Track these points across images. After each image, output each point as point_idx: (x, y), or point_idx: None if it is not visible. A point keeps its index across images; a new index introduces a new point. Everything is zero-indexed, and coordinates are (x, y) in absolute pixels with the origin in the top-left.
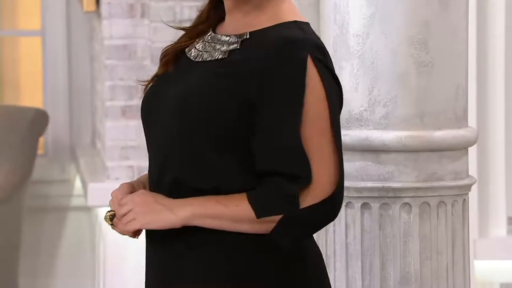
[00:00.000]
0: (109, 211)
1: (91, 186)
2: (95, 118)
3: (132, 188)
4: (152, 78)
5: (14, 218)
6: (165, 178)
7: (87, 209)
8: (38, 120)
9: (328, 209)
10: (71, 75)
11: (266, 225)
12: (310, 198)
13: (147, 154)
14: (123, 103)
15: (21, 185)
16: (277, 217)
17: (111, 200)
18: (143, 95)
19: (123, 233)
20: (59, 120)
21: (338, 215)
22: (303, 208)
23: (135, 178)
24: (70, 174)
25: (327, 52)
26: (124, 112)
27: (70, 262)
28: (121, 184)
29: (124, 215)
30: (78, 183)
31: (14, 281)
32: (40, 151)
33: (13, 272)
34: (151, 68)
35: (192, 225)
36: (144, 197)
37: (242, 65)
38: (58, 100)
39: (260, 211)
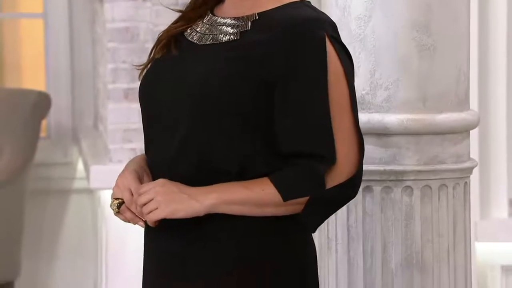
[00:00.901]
0: (116, 199)
1: (94, 168)
2: (97, 101)
3: (138, 176)
4: (148, 62)
5: (16, 201)
6: (183, 163)
7: (90, 192)
8: (41, 103)
9: (351, 188)
10: (73, 58)
11: (291, 208)
12: (336, 177)
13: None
14: (125, 86)
15: (23, 167)
16: (303, 199)
17: (115, 187)
18: (141, 79)
19: (129, 221)
20: (61, 103)
21: None
22: (329, 188)
23: None
24: (72, 156)
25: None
26: (127, 94)
27: (73, 244)
28: (126, 173)
29: (145, 204)
30: (80, 166)
31: (17, 263)
32: (42, 134)
33: (16, 254)
34: None
35: (216, 212)
36: (167, 186)
37: (256, 46)
38: (60, 83)
39: (286, 194)
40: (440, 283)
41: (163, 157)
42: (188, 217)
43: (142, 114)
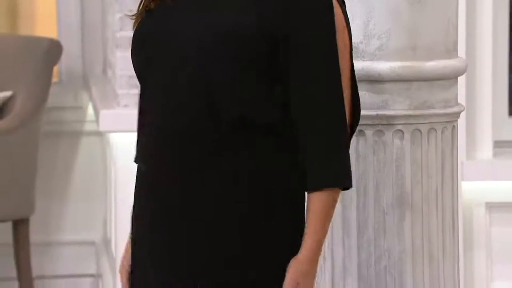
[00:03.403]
0: None
1: (103, 112)
2: (106, 48)
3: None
4: (141, 12)
5: (31, 142)
6: (191, 108)
7: (99, 134)
8: (53, 50)
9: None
10: (83, 8)
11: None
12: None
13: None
14: (132, 34)
15: (37, 111)
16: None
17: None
18: (136, 28)
19: None
20: (72, 50)
21: None
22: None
23: None
24: (83, 101)
25: None
26: None
27: (83, 183)
28: (121, 273)
29: None
30: (90, 110)
31: (31, 201)
32: (54, 79)
33: (30, 192)
34: None
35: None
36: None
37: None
38: (71, 31)
39: (335, 183)
40: (429, 220)
41: (168, 102)
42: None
43: (137, 63)
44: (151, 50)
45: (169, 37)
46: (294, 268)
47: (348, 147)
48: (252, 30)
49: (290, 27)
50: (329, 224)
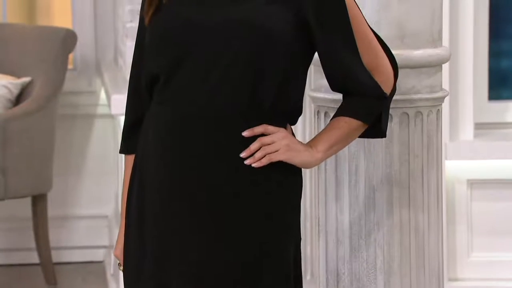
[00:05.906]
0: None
1: (114, 97)
2: (117, 38)
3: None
4: (156, 7)
5: (48, 124)
6: (254, 106)
7: (111, 117)
8: (68, 39)
9: (395, 86)
10: (96, 0)
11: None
12: (388, 88)
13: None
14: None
15: (54, 95)
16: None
17: (118, 255)
18: (157, 24)
19: None
20: (86, 40)
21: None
22: (388, 96)
23: None
24: (96, 86)
25: None
26: None
27: (97, 162)
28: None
29: (267, 144)
30: (103, 94)
31: (49, 178)
32: (70, 66)
33: (47, 170)
34: None
35: (326, 158)
36: (290, 137)
37: None
38: (85, 22)
39: (367, 119)
40: (416, 196)
41: (207, 92)
42: (300, 166)
43: (162, 60)
44: (186, 42)
45: (206, 29)
46: (290, 136)
47: (392, 95)
48: (284, 18)
49: (308, 11)
50: (344, 143)
